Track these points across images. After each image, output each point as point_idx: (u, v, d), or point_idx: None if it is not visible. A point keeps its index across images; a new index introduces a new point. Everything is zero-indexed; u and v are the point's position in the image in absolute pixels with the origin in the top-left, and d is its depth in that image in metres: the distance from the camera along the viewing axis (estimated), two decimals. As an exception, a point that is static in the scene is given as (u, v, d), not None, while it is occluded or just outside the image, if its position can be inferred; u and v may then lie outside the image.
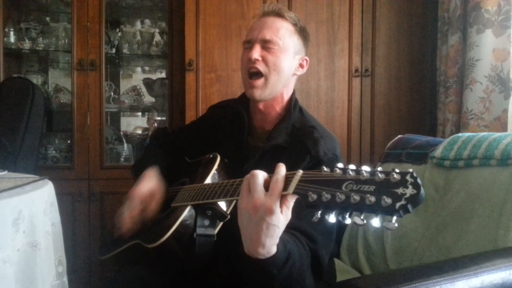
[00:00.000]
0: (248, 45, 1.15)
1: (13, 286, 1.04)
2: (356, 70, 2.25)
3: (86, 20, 2.21)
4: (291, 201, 0.73)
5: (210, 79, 2.15)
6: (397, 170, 0.57)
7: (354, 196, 0.58)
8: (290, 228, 0.84)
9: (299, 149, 1.07)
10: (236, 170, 1.11)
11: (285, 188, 0.71)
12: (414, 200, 0.55)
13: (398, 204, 0.55)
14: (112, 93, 2.52)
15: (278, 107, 1.17)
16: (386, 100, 2.29)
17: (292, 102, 1.18)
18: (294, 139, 1.11)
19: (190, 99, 2.14)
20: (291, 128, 1.14)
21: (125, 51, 2.47)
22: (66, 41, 2.35)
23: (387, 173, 0.58)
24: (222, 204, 0.97)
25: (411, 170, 0.57)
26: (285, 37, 1.12)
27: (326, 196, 0.61)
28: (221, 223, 0.99)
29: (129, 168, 2.26)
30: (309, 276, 0.95)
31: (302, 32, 1.17)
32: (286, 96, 1.18)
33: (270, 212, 0.71)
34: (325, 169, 0.65)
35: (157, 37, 2.53)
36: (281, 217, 0.72)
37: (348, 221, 0.61)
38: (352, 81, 2.25)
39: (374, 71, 2.27)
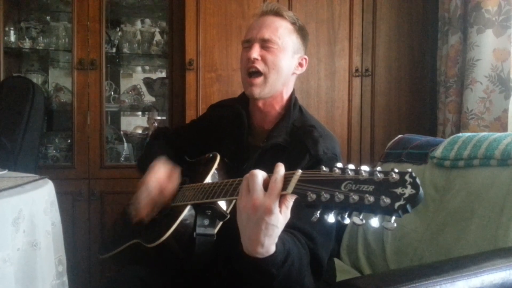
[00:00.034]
0: (247, 44, 1.15)
1: (13, 286, 1.04)
2: (357, 70, 2.25)
3: (87, 20, 2.21)
4: (290, 201, 0.73)
5: (211, 78, 2.14)
6: (396, 170, 0.57)
7: (353, 196, 0.58)
8: (290, 227, 0.84)
9: (299, 148, 1.07)
10: (235, 170, 1.11)
11: (284, 188, 0.71)
12: (413, 200, 0.55)
13: (397, 204, 0.55)
14: (112, 93, 2.52)
15: (278, 106, 1.17)
16: (386, 100, 2.29)
17: (292, 101, 1.18)
18: (293, 138, 1.11)
19: (190, 98, 2.14)
20: (290, 127, 1.14)
21: (125, 50, 2.47)
22: (67, 41, 2.35)
23: (386, 173, 0.58)
24: (222, 204, 0.97)
25: (410, 170, 0.57)
26: (284, 36, 1.12)
27: (325, 196, 0.61)
28: (220, 223, 0.99)
29: (129, 168, 2.31)
30: (308, 275, 0.95)
31: (301, 31, 1.17)
32: (286, 95, 1.18)
33: (269, 212, 0.71)
34: (324, 168, 0.65)
35: (158, 37, 2.52)
36: (280, 217, 0.72)
37: (347, 221, 0.61)
38: (353, 81, 2.25)
39: (374, 71, 2.27)
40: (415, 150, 1.51)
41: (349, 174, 0.61)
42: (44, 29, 2.39)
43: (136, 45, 2.47)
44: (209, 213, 0.97)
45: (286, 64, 1.14)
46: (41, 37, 2.36)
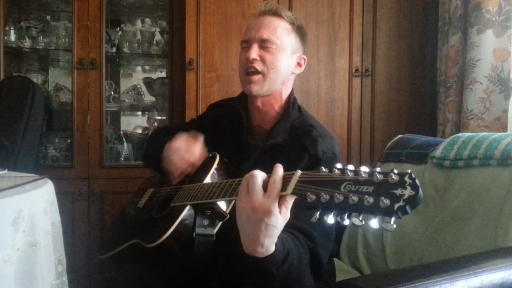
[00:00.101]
0: (246, 44, 1.15)
1: (13, 286, 1.04)
2: (357, 70, 2.25)
3: (87, 19, 2.21)
4: (289, 201, 0.73)
5: (211, 78, 2.14)
6: (395, 171, 0.57)
7: (353, 197, 0.58)
8: (289, 227, 0.84)
9: (298, 148, 1.07)
10: (235, 169, 1.11)
11: (283, 189, 0.71)
12: (413, 201, 0.54)
13: (396, 205, 0.55)
14: (112, 92, 2.52)
15: (277, 106, 1.17)
16: (386, 100, 2.29)
17: (291, 101, 1.18)
18: (293, 138, 1.11)
19: (190, 98, 2.14)
20: (290, 127, 1.14)
21: (125, 50, 2.47)
22: (67, 40, 2.35)
23: (385, 174, 0.58)
24: (222, 204, 0.97)
25: (409, 171, 0.57)
26: (282, 36, 1.12)
27: (325, 197, 0.61)
28: (220, 223, 0.99)
29: (129, 168, 2.31)
30: (308, 275, 0.95)
31: (300, 31, 1.17)
32: (285, 95, 1.18)
33: (268, 213, 0.71)
34: (324, 169, 0.65)
35: (158, 36, 2.52)
36: (280, 218, 0.72)
37: (346, 222, 0.61)
38: (353, 81, 2.25)
39: (374, 71, 2.27)
40: (415, 150, 1.51)
41: (348, 175, 0.61)
42: (44, 29, 2.39)
43: (136, 44, 2.47)
44: (208, 213, 0.97)
45: (285, 64, 1.14)
46: (41, 37, 2.36)
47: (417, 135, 1.64)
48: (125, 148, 2.51)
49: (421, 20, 2.30)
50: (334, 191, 0.60)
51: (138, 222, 1.18)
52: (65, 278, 1.30)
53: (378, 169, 0.59)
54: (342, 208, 0.60)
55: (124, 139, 2.54)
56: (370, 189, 0.57)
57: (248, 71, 1.12)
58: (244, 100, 1.22)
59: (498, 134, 1.29)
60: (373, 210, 0.56)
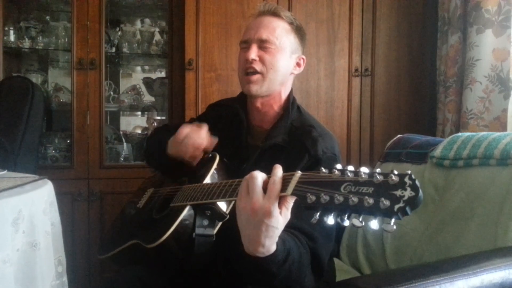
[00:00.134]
0: (245, 45, 1.15)
1: (13, 286, 1.04)
2: (356, 70, 2.25)
3: (86, 19, 2.21)
4: (290, 202, 0.73)
5: (210, 78, 2.14)
6: (395, 172, 0.57)
7: (353, 198, 0.58)
8: (290, 227, 0.85)
9: (298, 148, 1.07)
10: (235, 170, 1.11)
11: (283, 189, 0.71)
12: (413, 202, 0.55)
13: (396, 207, 0.55)
14: (111, 93, 2.52)
15: (276, 106, 1.17)
16: (385, 100, 2.29)
17: (290, 101, 1.19)
18: (292, 138, 1.11)
19: (190, 98, 2.14)
20: (289, 127, 1.14)
21: (125, 50, 2.47)
22: (66, 40, 2.35)
23: (385, 175, 0.58)
24: (221, 204, 0.97)
25: (409, 171, 0.57)
26: (281, 36, 1.12)
27: (325, 197, 0.61)
28: (220, 223, 0.99)
29: (129, 168, 2.31)
30: (309, 274, 0.95)
31: (299, 31, 1.17)
32: (284, 95, 1.18)
33: (268, 214, 0.71)
34: (324, 170, 0.65)
35: (157, 36, 2.52)
36: (280, 218, 0.73)
37: (346, 223, 0.61)
38: (352, 80, 2.25)
39: (374, 71, 2.27)
40: (414, 150, 1.51)
41: (348, 175, 0.61)
42: (44, 29, 2.39)
43: (136, 45, 2.46)
44: (208, 214, 0.97)
45: (284, 64, 1.14)
46: (40, 37, 2.36)
47: (417, 135, 1.64)
48: (125, 148, 2.51)
49: (421, 20, 2.30)
50: (334, 192, 0.60)
51: (138, 222, 1.18)
52: (65, 279, 1.30)
53: (378, 170, 0.59)
54: (342, 209, 0.60)
55: (123, 139, 2.54)
56: (370, 190, 0.57)
57: (247, 71, 1.12)
58: (244, 100, 1.22)
59: (498, 133, 1.29)
60: (373, 211, 0.56)
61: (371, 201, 0.56)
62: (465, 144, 1.31)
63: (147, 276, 1.09)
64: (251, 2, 2.14)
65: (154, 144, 1.31)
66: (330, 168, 0.64)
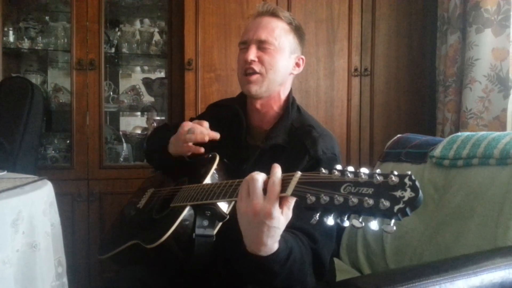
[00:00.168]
0: (244, 46, 1.15)
1: (12, 287, 1.04)
2: (356, 70, 2.25)
3: (86, 20, 2.20)
4: (291, 201, 0.73)
5: (210, 78, 2.14)
6: (395, 173, 0.57)
7: (353, 199, 0.58)
8: (291, 228, 0.85)
9: (298, 149, 1.07)
10: (235, 170, 1.11)
11: (283, 190, 0.71)
12: (413, 203, 0.54)
13: (396, 207, 0.55)
14: (111, 93, 2.52)
15: (276, 106, 1.17)
16: (385, 100, 2.29)
17: (290, 101, 1.19)
18: (292, 138, 1.11)
19: (190, 98, 2.14)
20: (289, 127, 1.14)
21: (124, 50, 2.47)
22: (65, 41, 2.34)
23: (385, 176, 0.57)
24: (222, 205, 0.97)
25: (409, 172, 0.57)
26: (280, 37, 1.12)
27: (325, 198, 0.61)
28: (220, 224, 0.99)
29: (129, 168, 2.31)
30: (310, 274, 0.95)
31: (298, 31, 1.17)
32: (283, 95, 1.18)
33: (269, 216, 0.72)
34: (324, 171, 0.65)
35: (157, 37, 2.52)
36: (282, 218, 0.73)
37: (346, 223, 0.61)
38: (352, 80, 2.25)
39: (373, 71, 2.27)
40: (414, 150, 1.51)
41: (348, 176, 0.61)
42: (43, 29, 2.39)
43: (135, 45, 2.46)
44: (208, 214, 0.97)
45: (283, 65, 1.14)
46: (40, 37, 2.36)
47: (416, 135, 1.64)
48: (125, 148, 2.51)
49: (420, 20, 2.30)
50: (334, 193, 0.60)
51: (138, 222, 1.18)
52: (65, 279, 1.30)
53: (378, 170, 0.59)
54: (342, 210, 0.60)
55: (123, 140, 2.54)
56: (370, 190, 0.57)
57: (246, 72, 1.12)
58: (244, 100, 1.22)
59: (497, 133, 1.29)
60: (373, 212, 0.56)
61: (371, 202, 0.56)
62: (465, 144, 1.32)
63: (147, 276, 1.09)
64: (250, 2, 2.14)
65: (155, 143, 1.31)
66: (330, 169, 0.64)
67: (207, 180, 1.04)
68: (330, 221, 0.62)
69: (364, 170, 0.60)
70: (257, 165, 1.05)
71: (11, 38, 2.32)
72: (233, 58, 2.13)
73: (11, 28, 2.33)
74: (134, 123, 2.79)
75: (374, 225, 0.57)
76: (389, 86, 2.29)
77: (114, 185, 2.22)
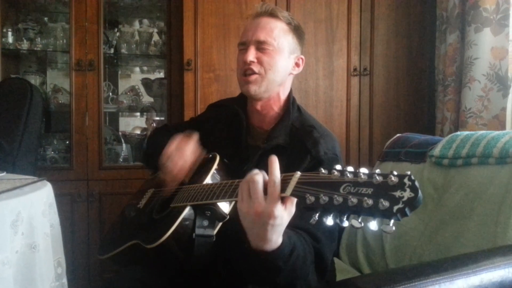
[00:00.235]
0: (243, 46, 1.14)
1: (12, 288, 1.04)
2: (355, 69, 2.25)
3: (84, 20, 2.20)
4: (294, 198, 0.73)
5: (209, 78, 2.14)
6: (395, 173, 0.57)
7: (352, 199, 0.58)
8: (294, 227, 0.85)
9: (299, 149, 1.07)
10: (235, 170, 1.11)
11: (283, 190, 0.71)
12: (412, 203, 0.54)
13: (395, 208, 0.55)
14: (110, 93, 2.52)
15: (276, 107, 1.17)
16: (384, 99, 2.29)
17: (290, 101, 1.18)
18: (293, 138, 1.11)
19: (189, 99, 2.14)
20: (290, 128, 1.14)
21: (123, 51, 2.47)
22: (64, 41, 2.34)
23: (385, 176, 0.57)
24: (222, 205, 0.97)
25: (409, 172, 0.57)
26: (279, 37, 1.12)
27: (324, 198, 0.61)
28: (220, 224, 0.99)
29: (128, 169, 2.31)
30: (312, 272, 0.95)
31: (297, 31, 1.17)
32: (283, 96, 1.18)
33: (272, 216, 0.72)
34: (323, 171, 0.65)
35: (156, 37, 2.52)
36: (285, 215, 0.73)
37: (345, 224, 0.61)
38: (351, 80, 2.25)
39: (372, 70, 2.27)
40: (413, 149, 1.51)
41: (348, 176, 0.61)
42: (42, 30, 2.39)
43: (134, 45, 2.46)
44: (208, 214, 0.97)
45: (283, 65, 1.14)
46: (39, 38, 2.36)
47: (416, 134, 1.64)
48: (124, 149, 2.51)
49: (419, 19, 2.30)
50: (333, 193, 0.60)
51: (138, 222, 1.18)
52: (64, 280, 1.30)
53: (377, 170, 0.59)
54: (341, 210, 0.60)
55: (122, 140, 2.54)
56: (369, 191, 0.57)
57: (245, 73, 1.12)
58: (244, 100, 1.22)
59: (497, 132, 1.29)
60: (372, 212, 0.56)
61: (370, 202, 0.56)
62: (464, 143, 1.32)
63: (147, 276, 1.09)
64: (249, 2, 2.14)
65: (154, 145, 1.31)
66: (330, 169, 0.64)
67: (207, 180, 1.04)
68: (329, 221, 0.62)
69: (364, 170, 0.60)
70: (258, 166, 1.05)
71: (10, 39, 2.32)
72: (232, 58, 2.13)
73: (10, 29, 2.32)
74: (133, 124, 2.79)
75: (373, 225, 0.57)
76: (388, 85, 2.29)
77: (114, 186, 2.22)
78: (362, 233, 1.53)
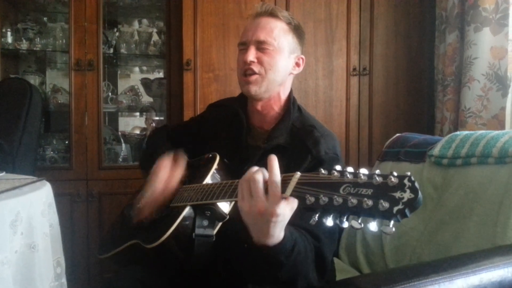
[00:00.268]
0: (243, 47, 1.14)
1: (11, 288, 1.04)
2: (354, 69, 2.25)
3: (84, 20, 2.20)
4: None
5: (208, 78, 2.14)
6: (395, 174, 0.57)
7: (352, 200, 0.58)
8: (295, 226, 0.85)
9: (300, 149, 1.07)
10: (235, 170, 1.11)
11: (282, 191, 0.71)
12: (412, 204, 0.54)
13: (395, 209, 0.55)
14: (110, 93, 2.52)
15: (276, 107, 1.17)
16: (384, 99, 2.29)
17: (291, 101, 1.18)
18: (294, 138, 1.11)
19: (188, 98, 2.14)
20: (290, 128, 1.14)
21: (122, 51, 2.47)
22: (64, 41, 2.34)
23: (385, 176, 0.57)
24: (222, 205, 0.97)
25: (409, 173, 0.57)
26: (279, 37, 1.12)
27: (324, 199, 0.61)
28: (220, 224, 0.99)
29: (127, 169, 2.31)
30: (312, 270, 0.95)
31: (297, 30, 1.17)
32: (283, 96, 1.18)
33: (274, 215, 0.73)
34: (323, 171, 0.65)
35: (155, 37, 2.52)
36: (287, 211, 0.74)
37: (345, 224, 0.61)
38: (350, 79, 2.25)
39: (372, 70, 2.27)
40: (413, 149, 1.51)
41: (347, 177, 0.61)
42: (41, 30, 2.39)
43: (134, 45, 2.46)
44: (208, 214, 0.97)
45: (283, 65, 1.14)
46: (38, 38, 2.35)
47: (415, 134, 1.64)
48: (123, 149, 2.51)
49: (418, 19, 2.30)
50: (333, 194, 0.60)
51: (138, 222, 1.18)
52: (64, 280, 1.30)
53: (377, 171, 0.59)
54: (341, 211, 0.60)
55: (122, 140, 2.54)
56: (369, 191, 0.57)
57: (245, 73, 1.12)
58: (244, 100, 1.22)
59: (496, 132, 1.29)
60: (372, 213, 0.56)
61: (370, 202, 0.56)
62: (464, 143, 1.32)
63: (147, 276, 1.09)
64: (249, 2, 2.14)
65: (153, 146, 1.31)
66: (330, 169, 0.64)
67: (207, 180, 1.04)
68: (329, 222, 0.62)
69: (364, 171, 0.60)
70: (258, 166, 1.05)
71: (9, 39, 2.32)
72: (231, 58, 2.13)
73: (9, 29, 2.32)
74: (133, 124, 2.79)
75: (373, 226, 0.57)
76: (388, 85, 2.29)
77: (113, 186, 2.21)
78: (361, 233, 1.53)
